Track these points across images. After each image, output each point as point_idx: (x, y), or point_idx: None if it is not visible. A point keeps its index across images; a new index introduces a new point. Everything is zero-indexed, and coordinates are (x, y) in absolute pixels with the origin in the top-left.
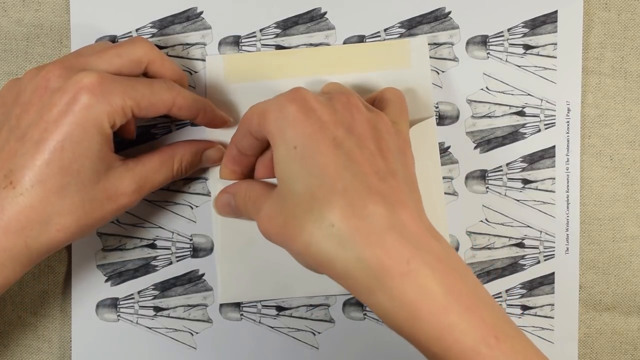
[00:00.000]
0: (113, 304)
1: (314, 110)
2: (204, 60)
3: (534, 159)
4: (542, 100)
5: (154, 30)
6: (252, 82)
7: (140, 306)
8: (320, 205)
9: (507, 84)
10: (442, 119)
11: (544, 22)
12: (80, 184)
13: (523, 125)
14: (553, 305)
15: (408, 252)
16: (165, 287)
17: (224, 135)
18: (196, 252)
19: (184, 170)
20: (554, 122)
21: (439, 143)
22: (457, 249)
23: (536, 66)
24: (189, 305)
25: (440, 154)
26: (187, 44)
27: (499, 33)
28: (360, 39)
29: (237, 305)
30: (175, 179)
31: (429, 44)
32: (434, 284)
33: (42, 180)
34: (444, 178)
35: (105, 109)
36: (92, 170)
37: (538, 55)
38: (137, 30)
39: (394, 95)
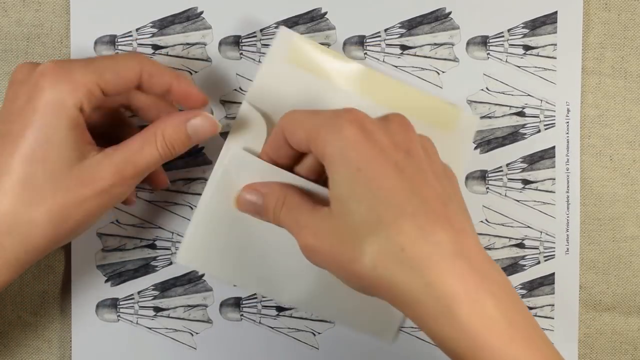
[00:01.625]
0: (113, 304)
1: (372, 133)
2: (204, 60)
3: (534, 160)
4: (542, 100)
5: (154, 30)
6: (306, 70)
7: (140, 306)
8: (389, 228)
9: (507, 85)
10: None
11: (544, 22)
12: (49, 172)
13: (523, 126)
14: (553, 305)
15: (476, 280)
16: (165, 288)
17: None
18: None
19: (169, 145)
20: (554, 123)
21: None
22: None
23: (536, 67)
24: (188, 306)
25: None
26: (188, 44)
27: (499, 34)
28: (361, 39)
29: (237, 305)
30: (166, 158)
31: (429, 45)
32: (499, 314)
33: (7, 172)
34: None
35: (65, 88)
36: (61, 158)
37: (538, 56)
38: (137, 30)
39: None
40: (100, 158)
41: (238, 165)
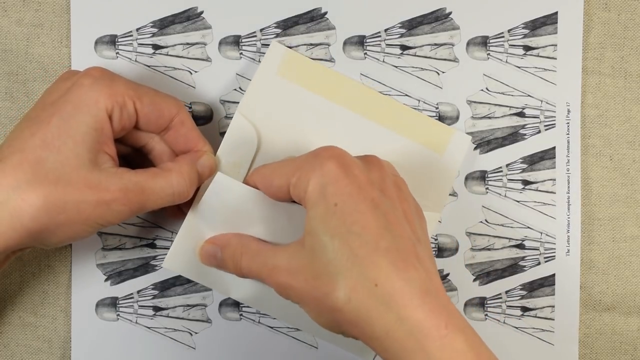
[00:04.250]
0: (113, 303)
1: (351, 168)
2: (204, 60)
3: (534, 160)
4: (542, 101)
5: (155, 30)
6: (299, 85)
7: (139, 306)
8: (363, 263)
9: (507, 85)
10: (442, 120)
11: (544, 23)
12: (59, 162)
13: (523, 127)
14: (553, 307)
15: (445, 316)
16: (164, 287)
17: None
18: None
19: (188, 179)
20: (554, 124)
21: None
22: (456, 249)
23: (536, 67)
24: (188, 305)
25: None
26: (188, 44)
27: (499, 34)
28: (361, 39)
29: (237, 305)
30: (179, 195)
31: (429, 45)
32: (467, 347)
33: (22, 149)
34: None
35: (103, 90)
36: (75, 154)
37: (538, 56)
38: (137, 29)
39: None
40: (112, 171)
41: (222, 189)
